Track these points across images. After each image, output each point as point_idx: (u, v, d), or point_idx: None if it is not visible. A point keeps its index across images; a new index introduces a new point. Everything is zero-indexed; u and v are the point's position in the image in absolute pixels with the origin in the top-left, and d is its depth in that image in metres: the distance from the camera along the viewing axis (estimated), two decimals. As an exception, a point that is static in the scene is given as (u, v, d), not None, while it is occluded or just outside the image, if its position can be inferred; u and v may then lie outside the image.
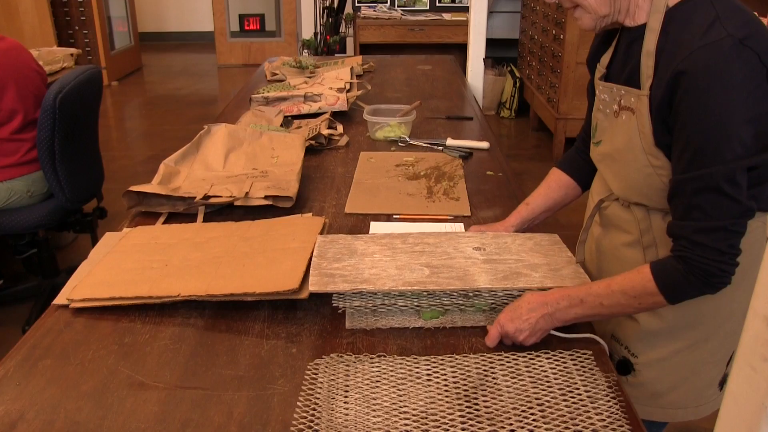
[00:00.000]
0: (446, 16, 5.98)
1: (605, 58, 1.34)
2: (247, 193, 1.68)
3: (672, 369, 1.33)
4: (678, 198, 1.14)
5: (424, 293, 1.23)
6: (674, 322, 1.30)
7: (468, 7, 3.63)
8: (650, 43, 1.17)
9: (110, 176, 3.25)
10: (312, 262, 1.29)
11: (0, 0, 6.42)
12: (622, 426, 1.00)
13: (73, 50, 3.95)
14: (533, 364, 1.15)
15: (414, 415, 1.01)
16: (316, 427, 0.98)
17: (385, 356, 1.15)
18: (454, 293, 1.23)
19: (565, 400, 1.06)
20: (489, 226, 1.55)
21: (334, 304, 1.23)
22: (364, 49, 5.79)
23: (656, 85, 1.15)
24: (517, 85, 5.92)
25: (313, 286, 1.21)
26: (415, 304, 1.24)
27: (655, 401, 1.36)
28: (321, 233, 1.46)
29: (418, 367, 1.12)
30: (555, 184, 1.57)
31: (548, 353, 1.17)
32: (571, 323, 1.21)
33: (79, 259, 1.55)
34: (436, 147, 2.20)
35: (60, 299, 1.33)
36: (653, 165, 1.20)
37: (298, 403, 1.04)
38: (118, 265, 1.40)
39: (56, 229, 2.91)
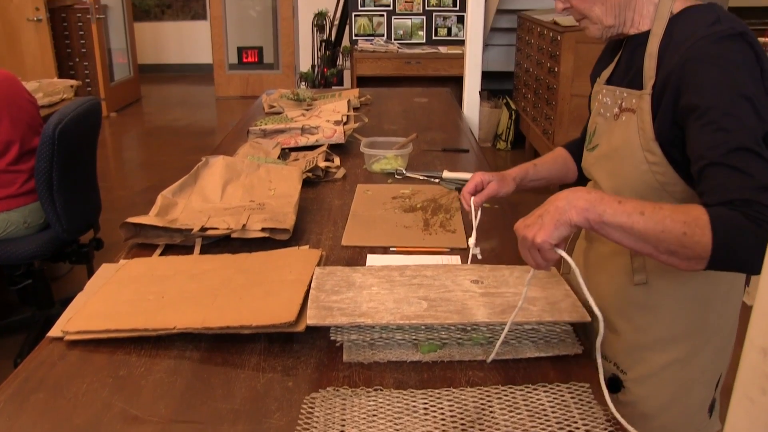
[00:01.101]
0: (442, 49, 6.05)
1: (606, 72, 1.37)
2: (244, 225, 1.68)
3: (662, 385, 1.32)
4: (710, 167, 1.06)
5: (422, 327, 1.22)
6: (661, 334, 1.30)
7: (464, 40, 3.67)
8: (653, 45, 1.20)
9: (107, 207, 3.26)
10: (310, 295, 1.29)
11: (3, 31, 6.48)
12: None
13: (72, 82, 3.99)
14: (531, 397, 1.14)
15: (410, 450, 1.00)
16: (311, 462, 0.97)
17: (381, 390, 1.14)
18: (452, 327, 1.23)
19: (562, 435, 1.05)
20: (495, 174, 1.59)
21: (331, 338, 1.23)
22: (361, 81, 5.83)
23: (660, 81, 1.17)
24: (513, 117, 5.96)
25: (311, 319, 1.21)
26: (413, 337, 1.23)
27: (646, 423, 1.34)
28: (318, 266, 1.46)
29: (414, 401, 1.12)
30: (561, 159, 1.62)
31: (546, 386, 1.17)
32: (588, 225, 1.04)
33: (74, 290, 1.55)
34: (432, 179, 2.20)
35: (54, 331, 1.32)
36: (649, 161, 1.20)
37: (294, 438, 1.03)
38: (114, 297, 1.40)
39: (52, 260, 2.90)
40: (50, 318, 2.89)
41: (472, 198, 1.55)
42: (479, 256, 1.49)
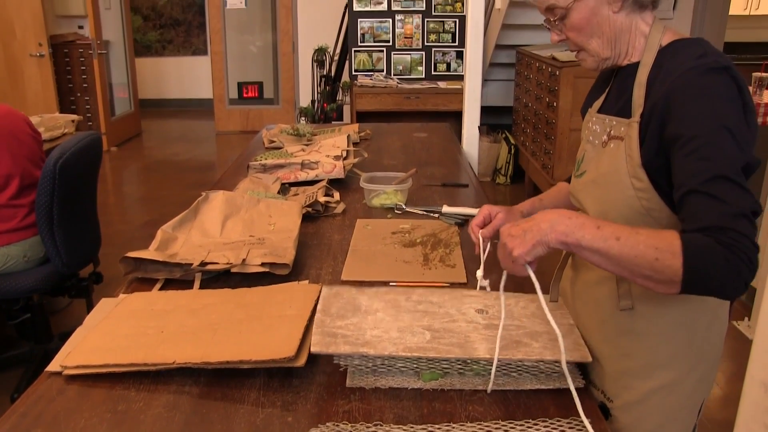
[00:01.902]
0: (441, 85, 6.11)
1: (597, 102, 1.41)
2: (244, 260, 1.68)
3: (648, 413, 1.32)
4: (689, 195, 1.09)
5: (424, 358, 1.23)
6: (647, 360, 1.31)
7: (463, 75, 3.71)
8: (642, 75, 1.24)
9: (107, 241, 3.26)
10: (315, 318, 1.31)
11: (6, 67, 6.55)
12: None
13: (74, 116, 4.02)
14: (531, 433, 1.14)
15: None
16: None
17: (381, 425, 1.14)
18: (453, 359, 1.24)
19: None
20: (502, 208, 1.59)
21: (335, 362, 1.24)
22: (361, 116, 5.88)
23: (647, 109, 1.20)
24: (512, 151, 6.00)
25: (315, 346, 1.22)
26: (415, 365, 1.25)
27: None
28: (317, 301, 1.46)
29: (414, 437, 1.11)
30: (564, 192, 1.63)
31: (546, 421, 1.16)
32: (567, 248, 1.12)
33: (73, 324, 1.54)
34: (432, 214, 2.22)
35: (53, 366, 1.31)
36: (635, 187, 1.23)
37: (293, 474, 1.02)
38: (113, 332, 1.40)
39: (51, 294, 2.90)
40: (48, 352, 2.88)
41: (480, 231, 1.54)
42: (488, 289, 1.49)
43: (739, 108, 1.12)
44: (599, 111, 1.38)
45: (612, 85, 1.38)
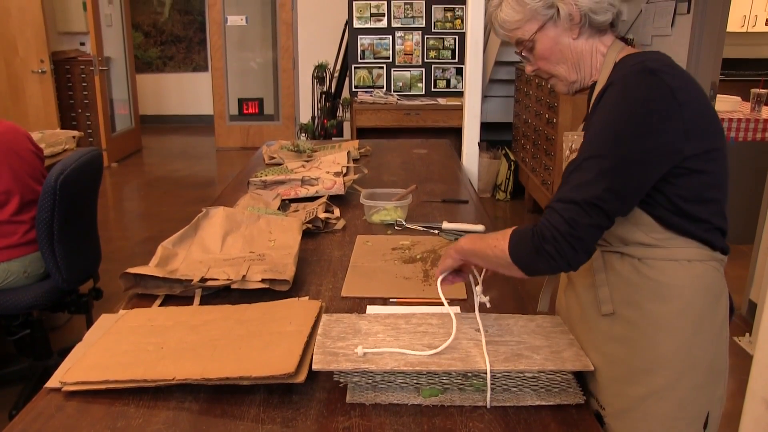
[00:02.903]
0: (441, 101, 6.13)
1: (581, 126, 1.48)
2: (244, 276, 1.68)
3: (640, 420, 1.33)
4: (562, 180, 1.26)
5: (425, 372, 1.24)
6: (633, 365, 1.32)
7: (462, 91, 3.72)
8: (597, 91, 1.34)
9: (107, 257, 3.26)
10: (316, 341, 1.31)
11: (8, 83, 6.58)
12: None
13: (75, 133, 4.03)
14: (531, 450, 1.13)
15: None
16: None
17: (381, 442, 1.14)
18: (454, 373, 1.24)
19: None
20: None
21: (335, 378, 1.25)
22: (361, 132, 5.89)
23: (587, 115, 1.35)
24: (512, 167, 6.01)
25: (317, 364, 1.23)
26: (415, 381, 1.25)
27: None
28: (317, 317, 1.46)
29: (414, 454, 1.11)
30: None
31: (546, 439, 1.16)
32: (467, 259, 1.40)
33: (72, 340, 1.54)
34: (432, 230, 2.22)
35: (52, 382, 1.31)
36: None
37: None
38: (113, 348, 1.40)
39: (51, 310, 2.89)
40: (48, 369, 2.87)
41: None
42: (488, 305, 1.49)
43: (657, 106, 1.18)
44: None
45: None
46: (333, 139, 6.31)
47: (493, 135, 6.47)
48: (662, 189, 1.25)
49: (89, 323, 2.96)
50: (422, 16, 6.33)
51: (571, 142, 1.40)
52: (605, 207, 1.19)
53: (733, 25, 6.90)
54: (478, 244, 1.34)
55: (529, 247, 1.23)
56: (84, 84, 7.16)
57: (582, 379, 1.39)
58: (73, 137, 3.95)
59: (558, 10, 1.34)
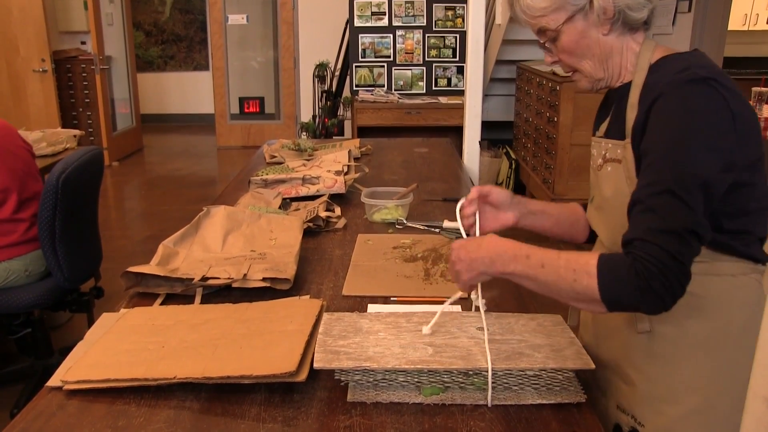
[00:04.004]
0: (442, 100, 6.12)
1: (603, 125, 1.39)
2: (245, 275, 1.68)
3: None
4: (635, 206, 1.15)
5: (425, 370, 1.24)
6: (673, 384, 1.27)
7: (463, 90, 3.72)
8: (634, 96, 1.24)
9: (108, 256, 3.26)
10: (317, 339, 1.31)
11: (10, 82, 6.59)
12: None
13: (76, 131, 4.03)
14: (532, 449, 1.13)
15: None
16: None
17: (382, 441, 1.14)
18: (455, 371, 1.24)
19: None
20: (502, 190, 1.49)
21: (336, 377, 1.25)
22: (362, 131, 5.89)
23: (635, 130, 1.21)
24: (513, 166, 6.01)
25: (318, 362, 1.23)
26: (416, 380, 1.25)
27: None
28: (318, 316, 1.46)
29: (415, 453, 1.11)
30: (571, 213, 1.56)
31: (547, 438, 1.16)
32: (505, 277, 1.22)
33: (74, 339, 1.54)
34: (433, 229, 2.22)
35: (54, 381, 1.31)
36: None
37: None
38: (114, 347, 1.40)
39: (52, 309, 2.89)
40: (49, 368, 2.87)
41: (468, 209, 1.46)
42: (483, 308, 1.45)
43: (717, 118, 1.11)
44: (605, 134, 1.37)
45: (614, 108, 1.36)
46: (334, 137, 6.31)
47: (493, 134, 6.47)
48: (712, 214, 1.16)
49: (90, 322, 2.96)
50: (423, 15, 6.33)
51: (604, 150, 1.32)
52: (703, 233, 1.10)
53: (735, 23, 6.90)
54: (539, 272, 1.17)
55: (632, 285, 1.08)
56: (85, 83, 7.17)
57: (616, 394, 1.36)
58: (74, 136, 3.96)
59: (591, 1, 1.24)
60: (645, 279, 1.06)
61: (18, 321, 2.79)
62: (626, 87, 1.28)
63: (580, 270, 1.12)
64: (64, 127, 6.66)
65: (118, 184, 6.74)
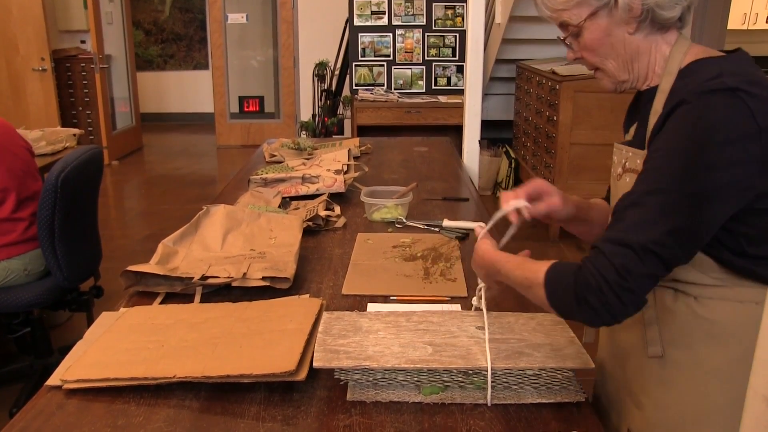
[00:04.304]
0: (442, 99, 6.12)
1: (632, 129, 1.30)
2: (244, 274, 1.68)
3: None
4: (613, 214, 1.10)
5: (425, 370, 1.24)
6: (684, 412, 1.20)
7: (463, 89, 3.72)
8: (659, 103, 1.15)
9: (108, 255, 3.26)
10: (317, 338, 1.31)
11: (9, 81, 6.59)
12: None
13: (75, 130, 4.03)
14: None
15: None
16: None
17: (382, 440, 1.14)
18: (455, 371, 1.24)
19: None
20: (557, 191, 1.36)
21: (335, 376, 1.25)
22: (362, 130, 5.89)
23: (652, 134, 1.13)
24: (513, 165, 6.01)
25: (318, 361, 1.23)
26: (416, 379, 1.25)
27: None
28: (318, 315, 1.46)
29: (415, 452, 1.11)
30: (600, 210, 1.45)
31: (547, 437, 1.16)
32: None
33: (73, 338, 1.54)
34: (432, 228, 2.22)
35: (53, 380, 1.31)
36: None
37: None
38: (114, 346, 1.40)
39: (52, 308, 2.89)
40: (48, 367, 2.86)
41: (524, 206, 1.33)
42: (484, 310, 1.43)
43: (737, 134, 1.02)
44: (630, 141, 1.28)
45: (641, 113, 1.27)
46: (333, 137, 6.30)
47: (493, 133, 6.47)
48: (728, 229, 1.08)
49: (90, 321, 2.96)
50: (423, 14, 6.32)
51: (624, 158, 1.24)
52: (664, 254, 1.02)
53: (734, 22, 6.89)
54: (509, 268, 1.21)
55: (570, 296, 1.06)
56: (85, 82, 7.16)
57: (627, 417, 1.30)
58: (74, 135, 3.96)
59: None
60: (582, 290, 1.04)
61: (17, 320, 2.79)
62: (653, 91, 1.20)
63: (532, 279, 1.14)
64: (63, 126, 6.65)
65: (118, 183, 6.74)
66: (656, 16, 1.15)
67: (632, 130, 1.29)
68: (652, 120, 1.16)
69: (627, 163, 1.23)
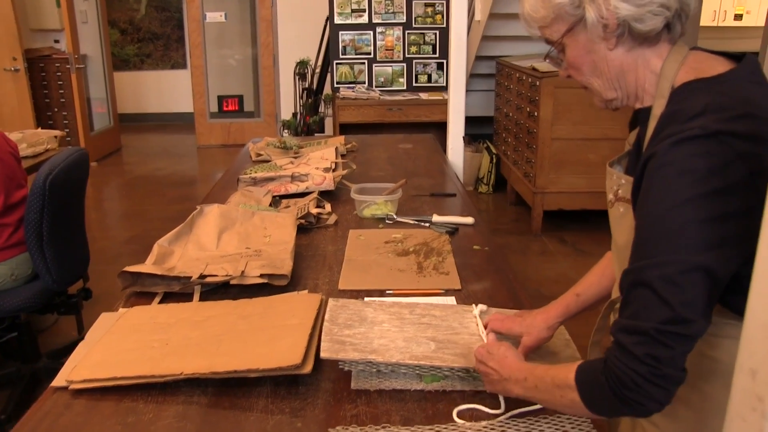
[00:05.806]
0: (423, 96, 6.15)
1: (634, 134, 1.22)
2: (242, 272, 1.70)
3: None
4: (621, 286, 1.04)
5: (427, 366, 1.29)
6: None
7: (444, 86, 3.75)
8: (651, 128, 1.07)
9: (92, 257, 3.23)
10: (324, 327, 1.35)
11: (-19, 84, 6.50)
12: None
13: (57, 132, 4.00)
14: (533, 428, 1.17)
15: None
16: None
17: (389, 427, 1.17)
18: (456, 368, 1.29)
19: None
20: (523, 313, 1.43)
21: (339, 366, 1.30)
22: (344, 128, 5.90)
23: (635, 180, 1.06)
24: (494, 160, 6.05)
25: (325, 352, 1.27)
26: (416, 372, 1.31)
27: None
28: (318, 310, 1.48)
29: (422, 440, 1.14)
30: (609, 270, 1.38)
31: (547, 417, 1.20)
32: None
33: (60, 342, 1.55)
34: (422, 224, 2.25)
35: (58, 381, 1.32)
36: None
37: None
38: (117, 345, 1.41)
39: (40, 312, 2.87)
40: (36, 372, 2.85)
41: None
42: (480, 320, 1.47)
43: (724, 182, 0.93)
44: (621, 158, 1.23)
45: (637, 135, 1.19)
46: (316, 135, 6.31)
47: (474, 129, 6.50)
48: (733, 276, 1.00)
49: (79, 324, 2.95)
50: (403, 12, 6.34)
51: (617, 185, 1.17)
52: (682, 330, 0.95)
53: (704, 19, 7.00)
54: (536, 393, 1.12)
55: (610, 397, 1.00)
56: (60, 83, 7.08)
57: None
58: (55, 137, 3.93)
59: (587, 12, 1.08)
60: (619, 389, 0.98)
61: (3, 325, 2.76)
62: (647, 112, 1.12)
63: (563, 386, 1.07)
64: (38, 127, 6.58)
65: (98, 185, 6.68)
66: (633, 29, 1.07)
67: (632, 135, 1.23)
68: (645, 148, 1.09)
69: (620, 191, 1.17)
